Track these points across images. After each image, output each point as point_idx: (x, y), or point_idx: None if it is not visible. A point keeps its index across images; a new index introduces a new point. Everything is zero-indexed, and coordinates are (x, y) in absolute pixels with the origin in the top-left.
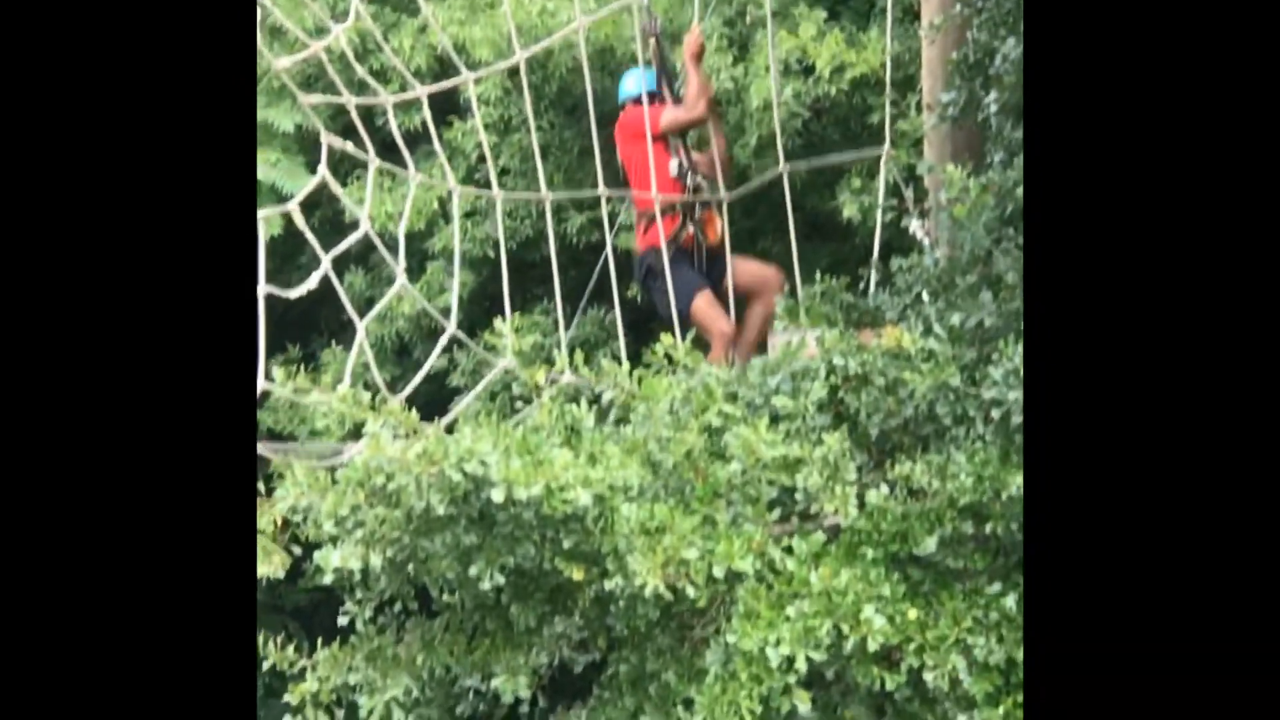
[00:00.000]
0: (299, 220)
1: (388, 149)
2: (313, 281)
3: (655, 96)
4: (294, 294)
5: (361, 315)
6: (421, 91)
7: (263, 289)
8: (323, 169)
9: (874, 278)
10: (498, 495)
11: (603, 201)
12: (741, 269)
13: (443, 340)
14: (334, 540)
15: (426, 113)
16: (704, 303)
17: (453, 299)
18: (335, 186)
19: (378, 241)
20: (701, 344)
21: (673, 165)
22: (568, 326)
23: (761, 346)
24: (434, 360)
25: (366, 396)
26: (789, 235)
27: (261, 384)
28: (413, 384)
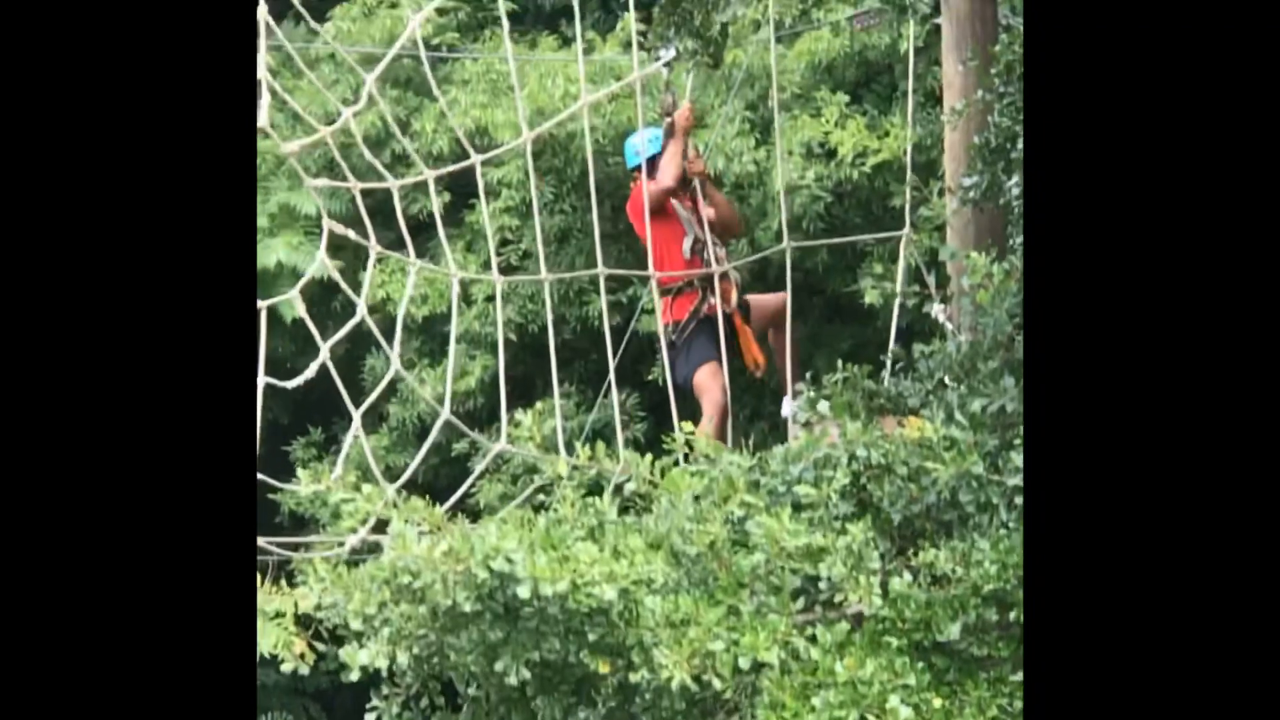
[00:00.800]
0: (299, 308)
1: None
2: (310, 371)
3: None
4: (292, 384)
5: (383, 399)
6: (429, 175)
7: (262, 380)
8: (321, 253)
9: (889, 363)
10: (524, 591)
11: (601, 281)
12: (758, 307)
13: (438, 424)
14: (359, 637)
15: (434, 197)
16: (706, 374)
17: (447, 382)
18: (332, 270)
19: (374, 329)
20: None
21: (686, 244)
22: (590, 409)
23: (782, 435)
24: (430, 445)
25: (391, 493)
26: (806, 315)
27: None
28: (411, 467)
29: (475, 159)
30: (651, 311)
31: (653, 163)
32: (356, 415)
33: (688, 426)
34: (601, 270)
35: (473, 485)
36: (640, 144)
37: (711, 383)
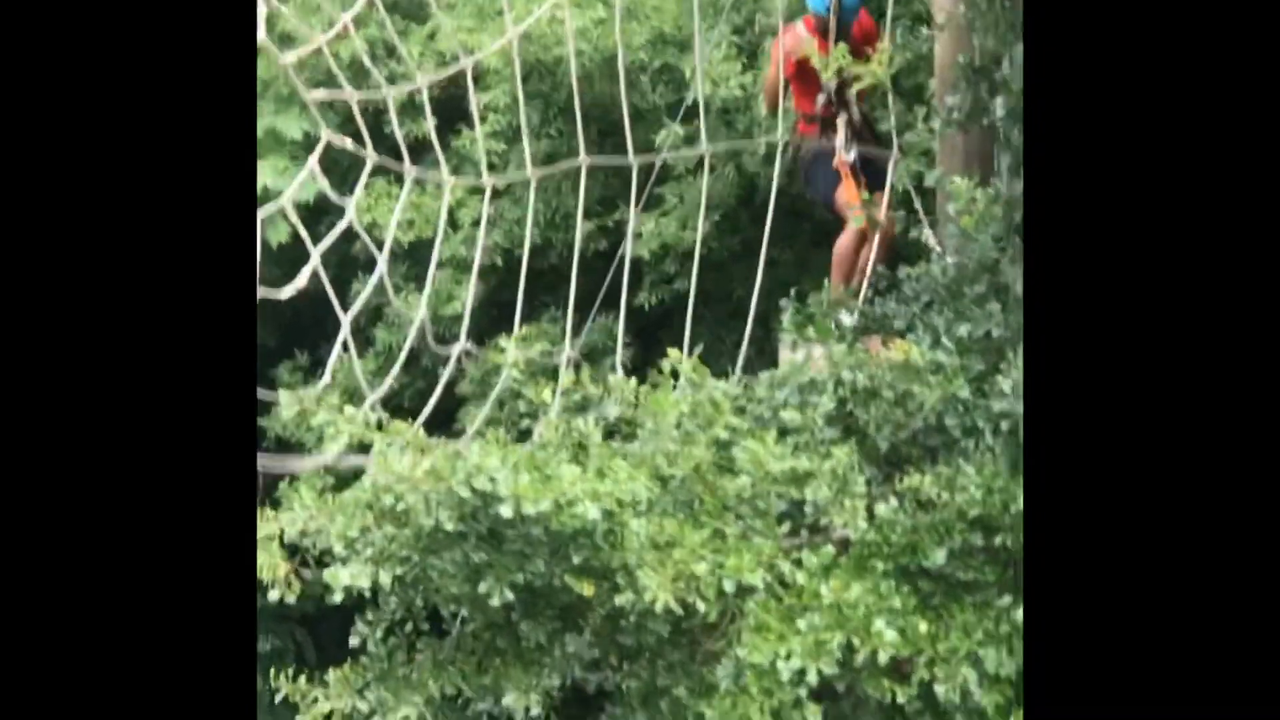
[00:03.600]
0: (292, 216)
1: (395, 157)
2: (301, 280)
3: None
4: (284, 294)
5: (369, 323)
6: (423, 81)
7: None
8: (313, 161)
9: (874, 284)
10: (506, 511)
11: (583, 172)
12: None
13: (407, 345)
14: (343, 561)
15: (426, 105)
16: (845, 193)
17: (423, 297)
18: (322, 180)
19: (362, 232)
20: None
21: (819, 99)
22: (575, 335)
23: (773, 360)
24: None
25: (374, 416)
26: (794, 240)
27: (265, 395)
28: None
29: (466, 61)
30: (640, 236)
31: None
32: (345, 320)
33: (674, 352)
34: (584, 160)
35: (458, 410)
36: None
37: (851, 202)
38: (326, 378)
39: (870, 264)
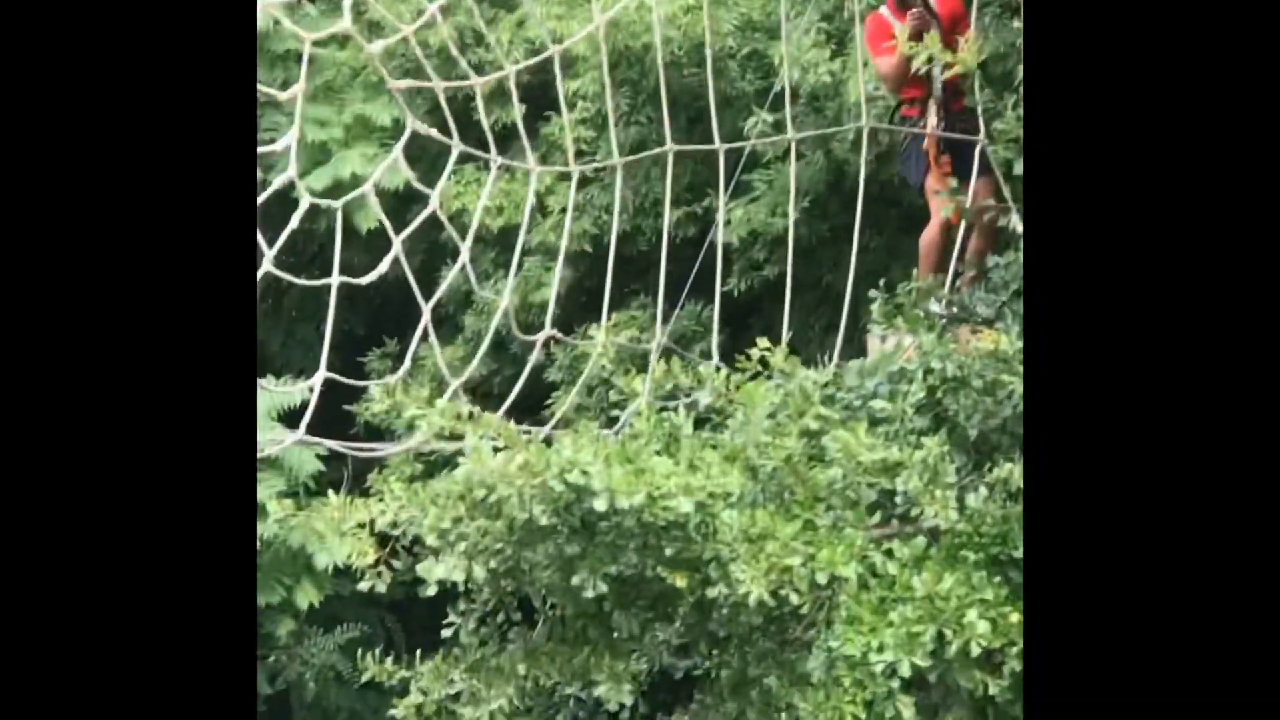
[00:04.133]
0: (374, 204)
1: (483, 145)
2: (383, 266)
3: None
4: (365, 280)
5: (458, 310)
6: (510, 70)
7: (336, 279)
8: (398, 149)
9: (951, 272)
10: (600, 504)
11: (669, 160)
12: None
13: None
14: (435, 553)
15: (514, 93)
16: (934, 180)
17: (509, 284)
18: (406, 169)
19: (444, 219)
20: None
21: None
22: (665, 322)
23: (860, 349)
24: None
25: (465, 409)
26: (883, 227)
27: (355, 383)
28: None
29: (553, 49)
30: (728, 223)
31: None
32: (426, 307)
33: (763, 342)
34: (670, 148)
35: (547, 397)
36: None
37: (936, 188)
38: (406, 364)
39: (972, 252)
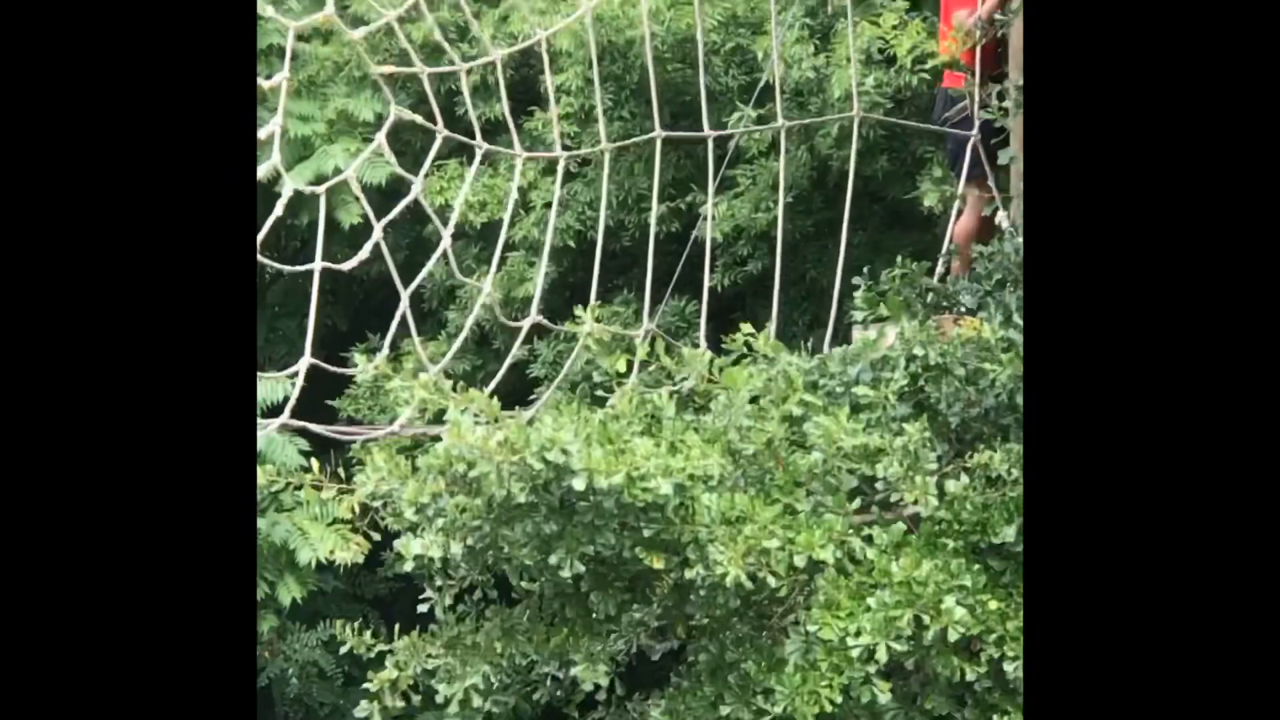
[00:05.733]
0: (357, 194)
1: (463, 148)
2: (364, 253)
3: None
4: (346, 266)
5: (441, 305)
6: (497, 55)
7: (319, 265)
8: (380, 137)
9: (941, 264)
10: (579, 484)
11: (657, 145)
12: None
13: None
14: (414, 528)
15: (500, 79)
16: (976, 187)
17: (489, 276)
18: (390, 156)
19: (428, 208)
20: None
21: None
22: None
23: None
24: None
25: (448, 384)
26: (866, 222)
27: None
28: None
29: (540, 34)
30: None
31: None
32: (405, 293)
33: (746, 327)
34: (659, 134)
35: (530, 393)
36: None
37: (974, 202)
38: (385, 349)
39: (968, 236)
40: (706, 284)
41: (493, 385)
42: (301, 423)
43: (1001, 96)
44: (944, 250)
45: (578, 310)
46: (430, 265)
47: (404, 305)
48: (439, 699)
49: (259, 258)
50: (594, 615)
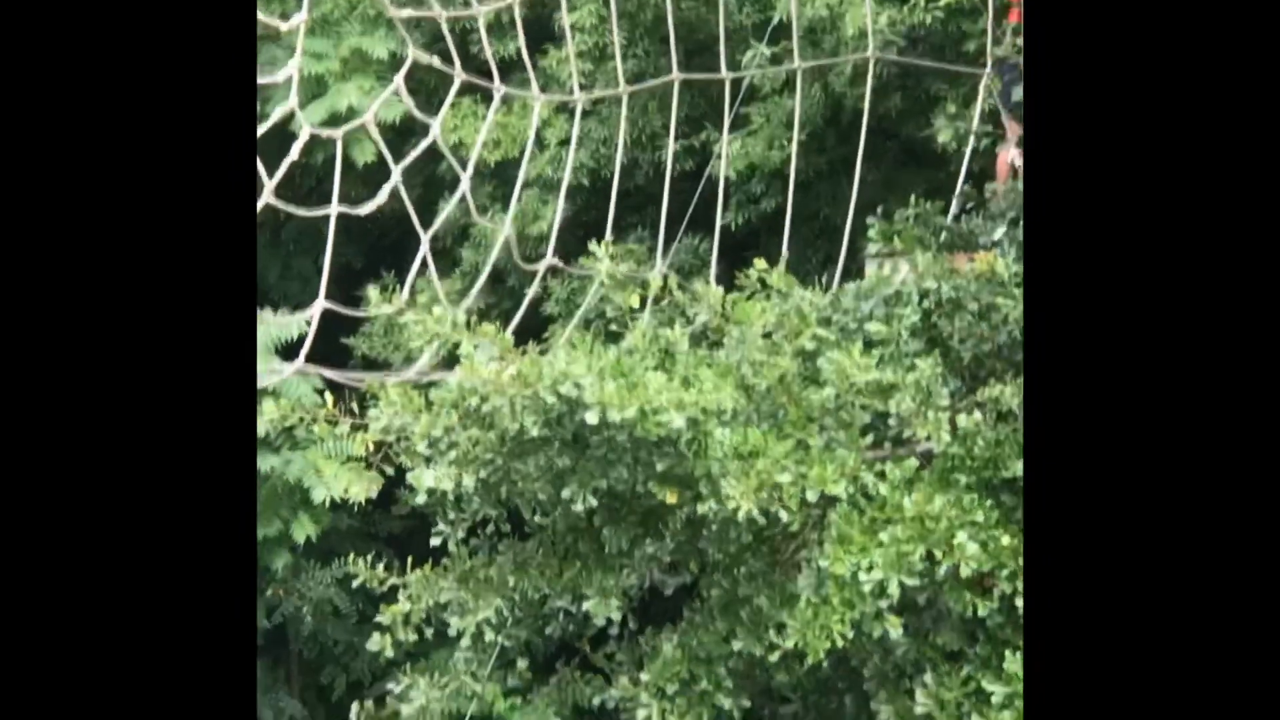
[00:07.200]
0: (374, 135)
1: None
2: (381, 197)
3: None
4: (363, 210)
5: (455, 243)
6: None
7: (335, 208)
8: (398, 79)
9: (956, 202)
10: (592, 418)
11: (675, 87)
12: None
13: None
14: (427, 461)
15: (517, 13)
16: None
17: (508, 215)
18: (407, 99)
19: (445, 150)
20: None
21: None
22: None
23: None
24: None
25: (462, 317)
26: (880, 160)
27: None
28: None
29: None
30: (719, 157)
31: None
32: (425, 236)
33: (760, 262)
34: (676, 75)
35: (544, 330)
36: None
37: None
38: (405, 294)
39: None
40: (719, 221)
41: (513, 325)
42: (317, 368)
43: (1017, 30)
44: (958, 190)
45: (592, 246)
46: (450, 208)
47: (424, 249)
48: (451, 632)
49: (274, 200)
50: (606, 550)
